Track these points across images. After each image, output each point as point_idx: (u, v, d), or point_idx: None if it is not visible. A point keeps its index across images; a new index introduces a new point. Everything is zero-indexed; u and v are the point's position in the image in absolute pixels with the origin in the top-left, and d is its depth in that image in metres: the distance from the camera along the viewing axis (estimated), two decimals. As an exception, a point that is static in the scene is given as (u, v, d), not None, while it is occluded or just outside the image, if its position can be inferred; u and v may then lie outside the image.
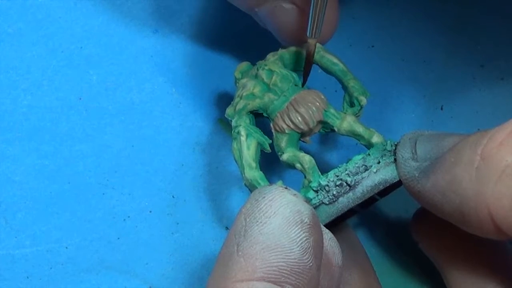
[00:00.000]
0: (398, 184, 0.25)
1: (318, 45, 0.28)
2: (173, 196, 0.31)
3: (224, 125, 0.32)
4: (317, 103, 0.26)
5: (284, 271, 0.19)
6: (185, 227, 0.30)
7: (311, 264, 0.19)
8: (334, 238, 0.22)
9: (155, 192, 0.31)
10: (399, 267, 0.30)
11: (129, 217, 0.31)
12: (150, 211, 0.31)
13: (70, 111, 0.32)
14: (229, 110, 0.27)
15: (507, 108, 0.33)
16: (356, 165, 0.24)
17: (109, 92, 0.32)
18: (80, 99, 0.32)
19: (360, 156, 0.25)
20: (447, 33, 0.34)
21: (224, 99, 0.33)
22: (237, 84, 0.28)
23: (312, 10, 0.25)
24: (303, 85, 0.27)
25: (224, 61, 0.33)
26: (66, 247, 0.30)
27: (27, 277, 0.29)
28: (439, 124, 0.32)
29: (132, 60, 0.33)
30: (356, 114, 0.27)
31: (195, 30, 0.33)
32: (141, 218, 0.31)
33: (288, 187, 0.21)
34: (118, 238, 0.30)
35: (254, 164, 0.25)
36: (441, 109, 0.33)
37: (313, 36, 0.26)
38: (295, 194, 0.20)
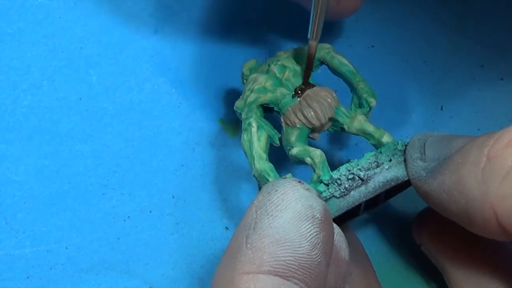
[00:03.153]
0: (406, 185, 0.25)
1: (328, 45, 0.28)
2: (173, 196, 0.31)
3: (225, 125, 0.32)
4: (329, 100, 0.26)
5: (291, 266, 0.19)
6: (185, 227, 0.30)
7: (319, 259, 0.19)
8: (342, 233, 0.22)
9: (155, 192, 0.31)
10: (400, 268, 0.30)
11: (129, 217, 0.31)
12: (150, 211, 0.31)
13: (70, 111, 0.32)
14: (238, 103, 0.27)
15: (507, 108, 0.33)
16: (369, 161, 0.25)
17: (109, 92, 0.32)
18: (80, 99, 0.32)
19: (372, 153, 0.25)
20: (447, 33, 0.34)
21: (224, 99, 0.33)
22: (245, 80, 0.28)
23: (313, 12, 0.25)
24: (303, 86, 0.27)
25: (224, 61, 0.33)
26: (66, 247, 0.30)
27: (27, 277, 0.29)
28: (439, 124, 0.32)
29: (132, 60, 0.33)
30: (365, 115, 0.27)
31: (195, 30, 0.33)
32: (141, 218, 0.31)
33: (301, 181, 0.21)
34: (118, 238, 0.30)
35: (264, 156, 0.26)
36: (441, 109, 0.33)
37: (313, 38, 0.26)
38: (308, 189, 0.20)
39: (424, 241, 0.27)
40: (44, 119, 0.32)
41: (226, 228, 0.31)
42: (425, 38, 0.34)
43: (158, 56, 0.33)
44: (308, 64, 0.27)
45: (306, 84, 0.27)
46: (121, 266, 0.30)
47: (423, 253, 0.28)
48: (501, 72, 0.33)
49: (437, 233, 0.26)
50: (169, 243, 0.30)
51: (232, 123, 0.32)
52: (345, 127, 0.26)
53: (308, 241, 0.19)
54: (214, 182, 0.31)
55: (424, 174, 0.23)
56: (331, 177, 0.24)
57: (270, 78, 0.27)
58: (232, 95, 0.33)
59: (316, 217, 0.20)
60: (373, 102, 0.27)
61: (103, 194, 0.31)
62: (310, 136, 0.27)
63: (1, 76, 0.32)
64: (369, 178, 0.24)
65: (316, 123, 0.26)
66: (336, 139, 0.32)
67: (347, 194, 0.24)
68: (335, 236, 0.21)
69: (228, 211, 0.31)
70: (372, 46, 0.34)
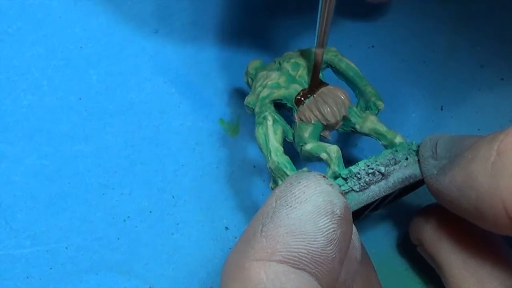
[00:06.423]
0: (417, 185, 0.26)
1: (334, 49, 0.28)
2: (173, 196, 0.31)
3: (224, 125, 0.32)
4: (343, 98, 0.26)
5: (303, 258, 0.19)
6: (185, 227, 0.30)
7: (333, 256, 0.19)
8: (357, 232, 0.22)
9: (155, 192, 0.31)
10: (400, 268, 0.30)
11: (129, 217, 0.31)
12: (150, 211, 0.31)
13: (70, 111, 0.32)
14: (249, 98, 0.27)
15: (507, 108, 0.33)
16: (387, 158, 0.25)
17: (109, 92, 0.32)
18: (80, 99, 0.32)
19: (389, 151, 0.25)
20: (447, 34, 0.34)
21: (224, 99, 0.33)
22: (249, 78, 0.29)
23: (319, 21, 0.25)
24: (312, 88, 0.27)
25: (224, 61, 0.33)
26: (66, 247, 0.30)
27: (27, 277, 0.29)
28: (439, 124, 0.32)
29: (132, 60, 0.33)
30: None
31: (195, 30, 0.33)
32: (141, 218, 0.31)
33: (326, 176, 0.21)
34: (118, 238, 0.30)
35: (281, 149, 0.26)
36: (441, 109, 0.33)
37: (320, 46, 0.26)
38: (331, 184, 0.20)
39: (421, 242, 0.27)
40: (44, 119, 0.32)
41: (226, 228, 0.31)
42: (425, 38, 0.34)
43: (158, 56, 0.33)
44: (314, 71, 0.27)
45: (313, 91, 0.27)
46: (121, 266, 0.30)
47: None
48: (501, 72, 0.33)
49: (436, 233, 0.26)
50: (169, 243, 0.30)
51: (232, 123, 0.32)
52: (357, 126, 0.27)
53: (324, 236, 0.19)
54: (214, 182, 0.31)
55: (435, 172, 0.23)
56: (351, 171, 0.24)
57: (283, 74, 0.27)
58: (232, 95, 0.33)
59: (336, 213, 0.19)
60: (381, 105, 0.27)
61: (103, 194, 0.31)
62: (322, 134, 0.27)
63: (1, 76, 0.32)
64: (389, 174, 0.25)
65: (332, 119, 0.26)
66: (336, 139, 0.32)
67: (366, 188, 0.24)
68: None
69: (228, 211, 0.31)
70: (372, 46, 0.34)
